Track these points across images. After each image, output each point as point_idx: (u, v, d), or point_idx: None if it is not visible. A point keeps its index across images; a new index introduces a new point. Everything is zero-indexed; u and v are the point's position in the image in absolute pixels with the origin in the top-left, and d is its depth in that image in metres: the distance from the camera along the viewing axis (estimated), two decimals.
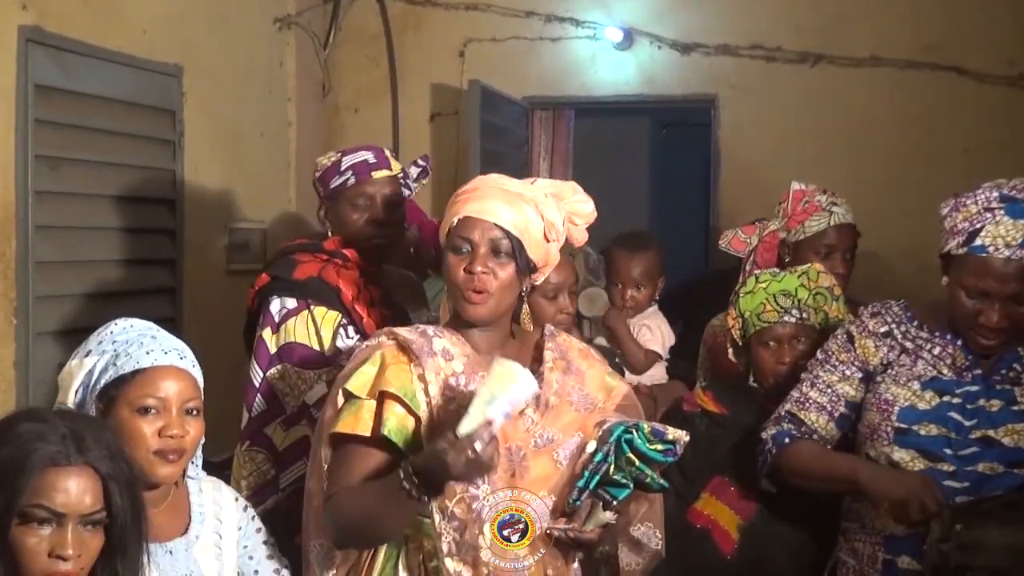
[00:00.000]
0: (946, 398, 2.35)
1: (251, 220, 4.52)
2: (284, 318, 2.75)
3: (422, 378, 2.12)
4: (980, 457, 2.30)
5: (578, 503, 2.13)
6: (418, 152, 3.02)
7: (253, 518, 2.24)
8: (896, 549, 2.38)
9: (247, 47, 4.58)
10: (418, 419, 2.11)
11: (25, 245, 3.32)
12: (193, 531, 2.11)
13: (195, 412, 2.05)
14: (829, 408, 2.50)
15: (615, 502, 2.14)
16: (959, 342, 2.38)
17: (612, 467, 2.12)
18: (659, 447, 2.14)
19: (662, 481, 2.17)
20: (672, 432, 2.15)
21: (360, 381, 2.14)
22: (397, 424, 2.10)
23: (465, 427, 1.91)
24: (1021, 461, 2.28)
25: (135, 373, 2.02)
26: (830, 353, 2.54)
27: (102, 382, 2.03)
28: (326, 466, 2.16)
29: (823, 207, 3.17)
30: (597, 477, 2.12)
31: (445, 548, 2.10)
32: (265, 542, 2.24)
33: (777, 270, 2.81)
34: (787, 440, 2.51)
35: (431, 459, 1.94)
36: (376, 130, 5.02)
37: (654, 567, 2.40)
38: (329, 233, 2.87)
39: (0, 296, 3.26)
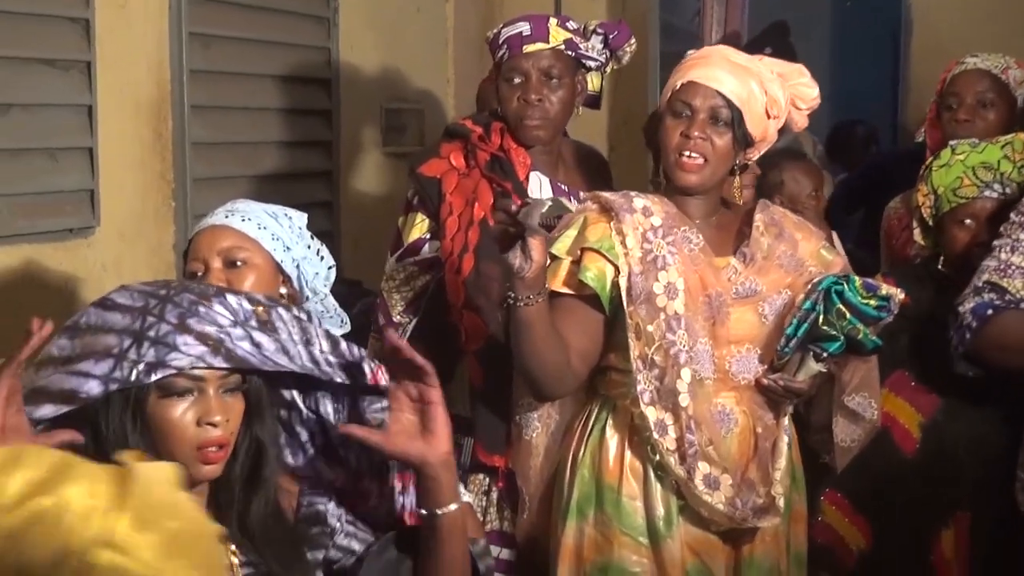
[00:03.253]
0: None
1: (407, 100, 4.41)
2: (406, 208, 2.68)
3: (620, 232, 2.18)
4: None
5: (787, 351, 2.15)
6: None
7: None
8: None
9: None
10: (617, 269, 2.18)
11: (181, 126, 3.30)
12: None
13: (240, 263, 1.95)
14: None
15: (825, 354, 2.14)
16: None
17: (822, 318, 2.11)
18: (872, 302, 2.12)
19: (876, 338, 2.14)
20: (886, 287, 2.16)
21: (563, 244, 2.22)
22: (596, 272, 2.18)
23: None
24: None
25: (189, 243, 1.99)
26: None
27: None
28: None
29: (961, 61, 2.93)
30: (805, 325, 2.12)
31: (647, 398, 2.14)
32: None
33: (976, 140, 2.53)
34: (990, 312, 2.25)
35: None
36: (538, 2, 4.79)
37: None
38: (498, 111, 2.69)
39: (158, 178, 3.26)
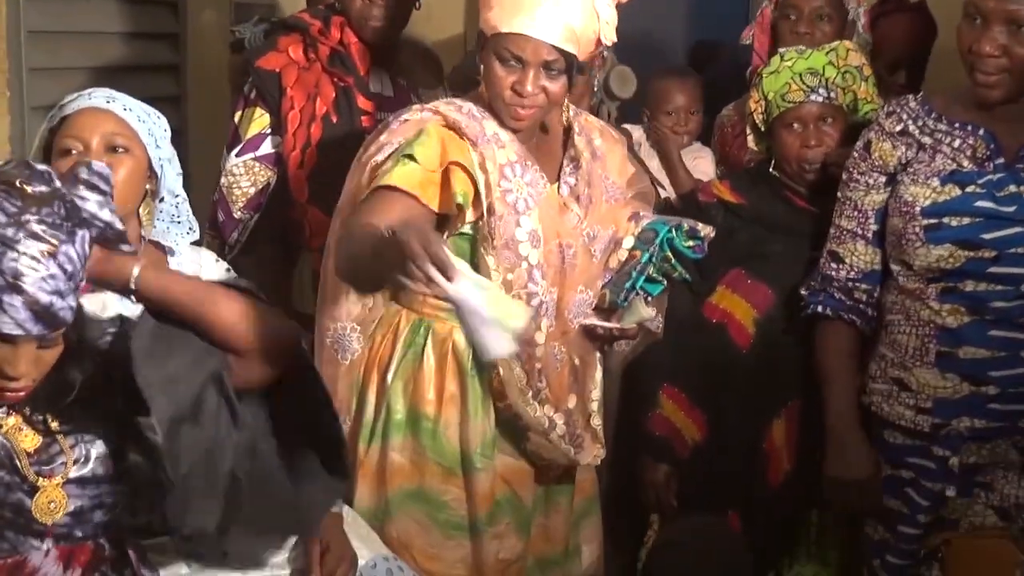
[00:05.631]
0: (969, 189, 2.21)
1: None
2: (243, 103, 2.66)
3: (483, 166, 2.04)
4: None
5: (624, 304, 2.20)
6: None
7: (236, 279, 2.16)
8: (955, 340, 2.24)
9: None
10: (477, 194, 2.04)
11: (16, 12, 3.14)
12: None
13: (121, 150, 1.96)
14: (860, 231, 2.37)
15: (650, 298, 2.21)
16: (981, 131, 2.23)
17: (652, 267, 2.21)
18: (690, 244, 2.24)
19: (687, 275, 2.28)
20: (704, 228, 2.26)
21: (427, 152, 2.01)
22: (463, 192, 2.03)
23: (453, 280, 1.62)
24: None
25: (62, 122, 1.97)
26: (851, 168, 2.39)
27: (43, 142, 2.00)
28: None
29: None
30: (642, 277, 2.20)
31: None
32: None
33: (803, 47, 2.63)
34: (819, 309, 2.43)
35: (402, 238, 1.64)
36: None
37: (672, 363, 2.49)
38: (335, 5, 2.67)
39: None
